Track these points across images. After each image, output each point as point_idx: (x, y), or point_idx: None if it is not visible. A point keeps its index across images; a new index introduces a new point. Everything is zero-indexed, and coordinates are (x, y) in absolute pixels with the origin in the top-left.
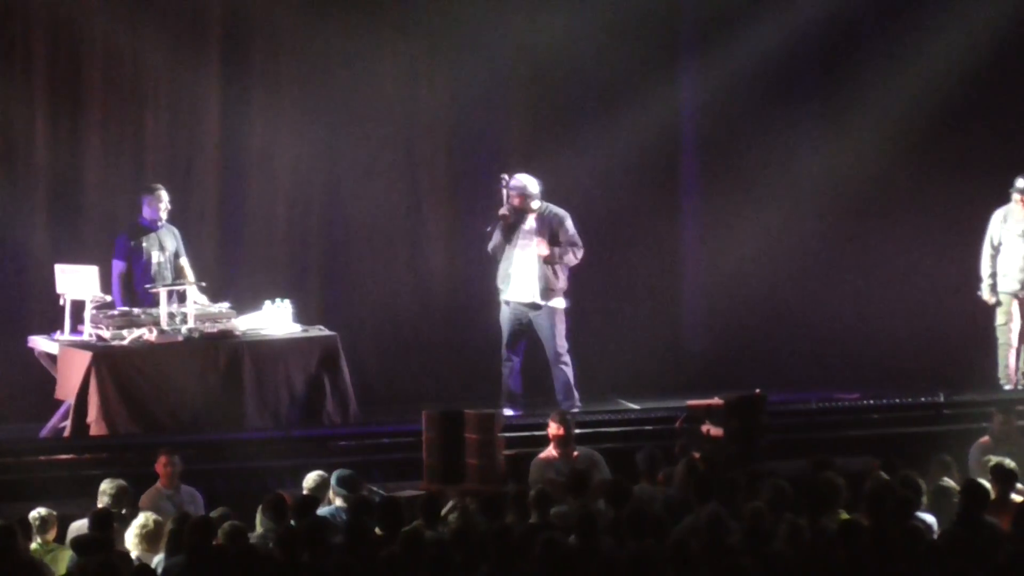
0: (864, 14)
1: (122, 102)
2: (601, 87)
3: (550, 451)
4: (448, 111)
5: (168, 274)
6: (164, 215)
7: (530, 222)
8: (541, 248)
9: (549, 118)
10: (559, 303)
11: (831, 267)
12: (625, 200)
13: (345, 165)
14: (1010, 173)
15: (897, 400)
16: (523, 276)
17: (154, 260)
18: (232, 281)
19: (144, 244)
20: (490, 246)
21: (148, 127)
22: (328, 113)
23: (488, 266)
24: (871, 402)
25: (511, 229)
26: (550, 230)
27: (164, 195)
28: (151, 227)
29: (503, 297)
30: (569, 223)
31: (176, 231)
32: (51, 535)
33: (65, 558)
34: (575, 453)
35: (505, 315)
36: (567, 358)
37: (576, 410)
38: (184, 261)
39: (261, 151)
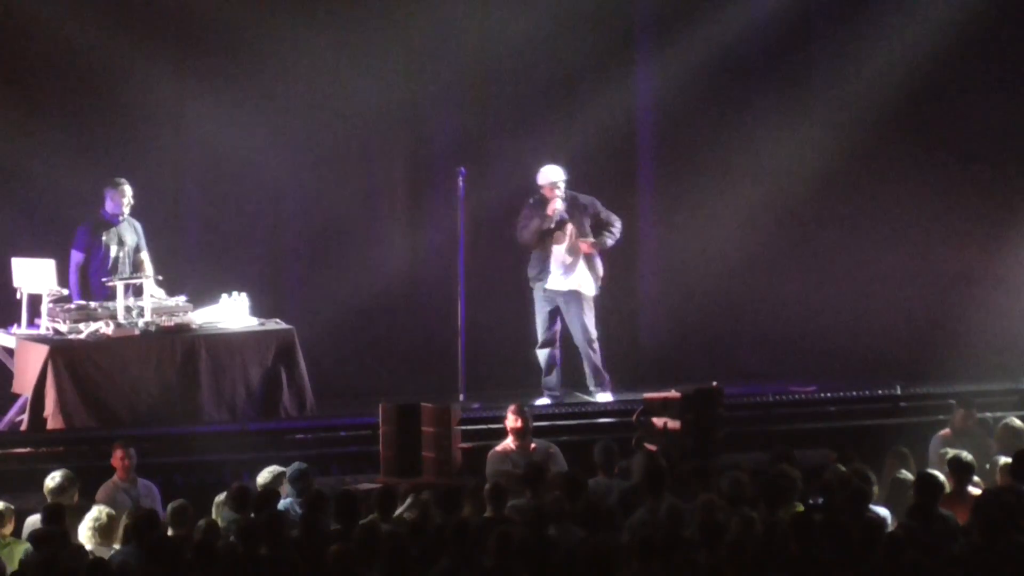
0: (819, 7)
1: (78, 95)
2: (557, 80)
3: (507, 443)
4: (404, 105)
5: (126, 268)
6: (126, 209)
7: (559, 213)
8: (583, 246)
9: (505, 112)
10: (591, 290)
11: (787, 260)
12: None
13: (302, 158)
14: (962, 166)
15: (854, 393)
16: (560, 265)
17: (112, 254)
18: (189, 274)
19: (104, 237)
20: (525, 235)
21: (104, 121)
22: (285, 107)
23: (445, 261)
24: (827, 395)
25: (552, 224)
26: (580, 218)
27: (127, 189)
28: (112, 220)
29: (539, 285)
30: (600, 205)
31: (138, 225)
32: (8, 529)
33: (21, 552)
34: (532, 445)
35: (541, 304)
36: (597, 344)
37: (607, 391)
38: (144, 255)
39: (218, 145)
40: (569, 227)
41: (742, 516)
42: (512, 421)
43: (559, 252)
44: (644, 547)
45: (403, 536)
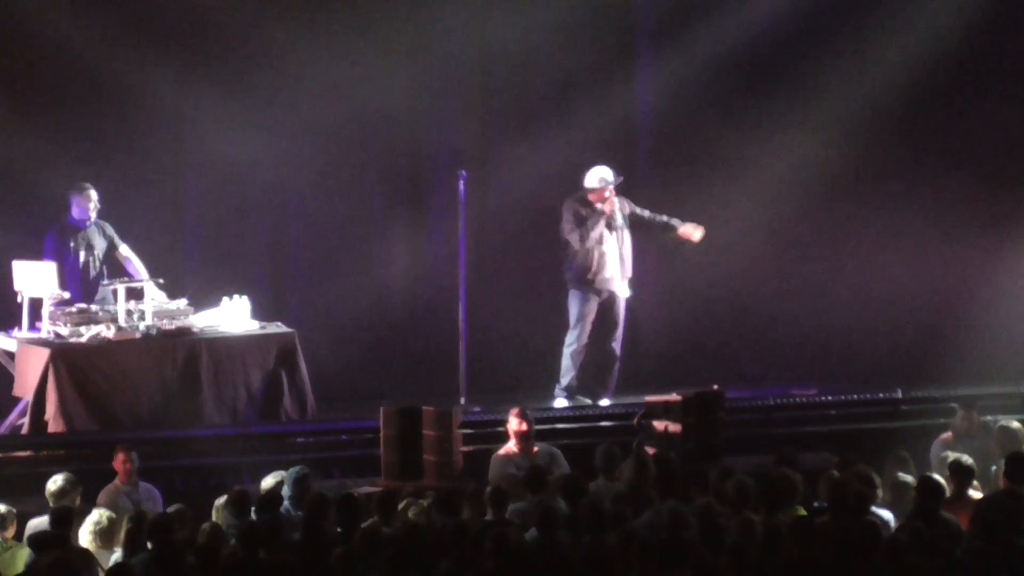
0: (820, 10)
1: (79, 98)
2: (558, 83)
3: (510, 447)
4: (405, 109)
5: (94, 273)
6: (93, 214)
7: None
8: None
9: (506, 115)
10: (626, 291)
11: (788, 263)
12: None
13: (304, 161)
14: (963, 170)
15: (855, 396)
16: (612, 266)
17: (81, 259)
18: (190, 277)
19: (72, 244)
20: (581, 235)
21: (106, 124)
22: (287, 110)
23: (446, 264)
24: (829, 398)
25: (616, 224)
26: (625, 216)
27: (93, 194)
28: (80, 226)
29: (580, 287)
30: (631, 203)
31: (107, 226)
32: (9, 532)
33: (23, 555)
34: (535, 449)
35: (579, 307)
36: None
37: (610, 396)
38: (124, 249)
39: (219, 148)
40: (621, 227)
41: (742, 520)
42: (516, 425)
43: (604, 254)
44: (641, 551)
45: (404, 539)
